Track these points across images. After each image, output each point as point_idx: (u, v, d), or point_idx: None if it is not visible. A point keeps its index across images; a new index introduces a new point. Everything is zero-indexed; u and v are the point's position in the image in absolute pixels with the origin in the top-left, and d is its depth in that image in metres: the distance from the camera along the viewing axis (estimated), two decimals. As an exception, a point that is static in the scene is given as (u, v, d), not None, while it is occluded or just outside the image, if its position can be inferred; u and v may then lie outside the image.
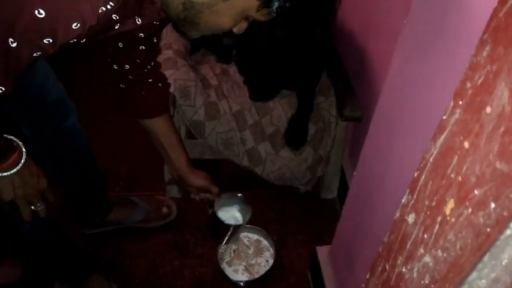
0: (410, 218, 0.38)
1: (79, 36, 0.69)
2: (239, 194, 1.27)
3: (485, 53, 0.28)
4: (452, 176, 0.32)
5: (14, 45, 0.62)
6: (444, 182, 0.33)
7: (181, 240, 1.54)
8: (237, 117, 1.47)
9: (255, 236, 1.51)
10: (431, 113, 0.70)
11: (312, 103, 1.49)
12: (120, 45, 0.98)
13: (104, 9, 0.68)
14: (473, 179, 0.29)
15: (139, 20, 0.83)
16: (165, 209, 1.59)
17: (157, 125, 1.14)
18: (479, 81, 0.29)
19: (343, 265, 1.27)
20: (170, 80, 1.42)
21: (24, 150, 0.83)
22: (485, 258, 0.29)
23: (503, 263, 0.29)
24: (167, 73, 1.44)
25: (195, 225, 1.57)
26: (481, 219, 0.29)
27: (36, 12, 0.60)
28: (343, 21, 1.64)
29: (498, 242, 0.28)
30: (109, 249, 1.49)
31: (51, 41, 0.65)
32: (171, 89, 1.41)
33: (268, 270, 1.41)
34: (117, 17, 0.76)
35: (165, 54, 1.52)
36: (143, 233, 1.54)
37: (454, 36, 0.59)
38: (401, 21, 0.82)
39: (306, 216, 1.64)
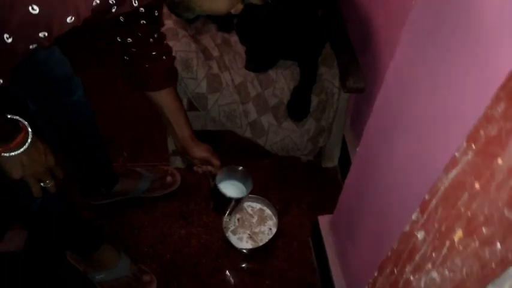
0: (420, 235, 0.41)
1: (75, 27, 0.70)
2: (240, 168, 1.30)
3: (499, 109, 0.30)
4: (462, 209, 0.34)
5: (10, 40, 0.63)
6: (454, 212, 0.35)
7: (186, 209, 1.58)
8: (240, 89, 1.48)
9: (258, 205, 1.56)
10: (439, 90, 0.72)
11: (315, 74, 1.49)
12: (121, 19, 0.98)
13: (98, 1, 0.69)
14: (481, 218, 0.32)
15: (136, 2, 0.84)
16: (169, 178, 1.63)
17: (162, 98, 1.16)
18: (493, 133, 0.31)
19: (344, 234, 1.33)
20: (172, 52, 1.42)
21: (30, 129, 0.85)
22: (489, 286, 0.32)
23: (505, 290, 0.32)
24: (168, 45, 1.44)
25: (200, 195, 1.61)
26: (487, 255, 0.32)
27: (29, 8, 0.61)
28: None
29: (502, 276, 0.31)
30: (116, 219, 1.54)
31: (46, 34, 0.66)
32: (173, 62, 1.41)
33: (272, 238, 1.47)
34: (114, 1, 0.76)
35: (165, 25, 1.51)
36: (149, 204, 1.59)
37: (470, 12, 0.59)
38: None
39: (307, 185, 1.68)
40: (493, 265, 0.31)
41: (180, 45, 1.46)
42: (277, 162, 1.69)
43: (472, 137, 0.34)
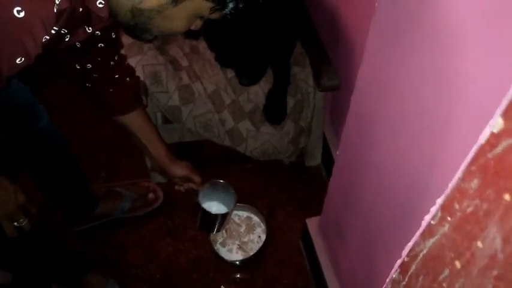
0: (403, 298, 0.38)
1: (27, 66, 0.68)
2: (222, 181, 1.27)
3: (473, 185, 0.27)
4: (445, 285, 0.31)
5: None
6: (436, 285, 0.32)
7: (172, 225, 1.55)
8: (213, 98, 1.43)
9: (245, 214, 1.53)
10: (416, 79, 0.69)
11: (288, 75, 1.45)
12: (78, 45, 0.93)
13: (47, 37, 0.65)
14: (466, 301, 0.29)
15: (90, 28, 0.80)
16: (151, 195, 1.58)
17: (131, 121, 1.12)
18: (468, 210, 0.28)
19: (333, 236, 1.31)
20: (138, 67, 1.37)
21: None
22: None
23: None
24: (134, 60, 1.39)
25: (184, 210, 1.57)
26: None
27: None
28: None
29: None
30: (101, 243, 1.50)
31: None
32: (141, 77, 1.36)
33: (262, 245, 1.44)
34: (66, 31, 0.74)
35: (129, 39, 1.45)
36: (134, 223, 1.54)
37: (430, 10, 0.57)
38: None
39: (292, 186, 1.65)
40: None
41: (146, 58, 1.40)
42: (260, 166, 1.65)
43: (446, 208, 0.30)
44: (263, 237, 1.47)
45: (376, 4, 0.80)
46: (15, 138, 1.20)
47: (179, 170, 1.18)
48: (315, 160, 1.69)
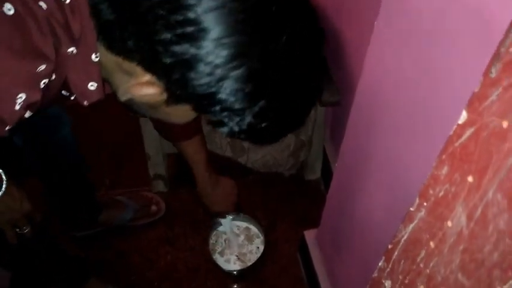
0: (387, 284, 0.41)
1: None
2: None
3: (444, 171, 0.30)
4: (422, 265, 0.34)
5: None
6: (415, 267, 0.35)
7: (172, 234, 1.57)
8: (216, 110, 1.47)
9: (244, 224, 1.55)
10: (412, 95, 0.72)
11: (290, 90, 1.49)
12: None
13: (28, 114, 0.55)
14: (439, 278, 0.32)
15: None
16: (154, 207, 1.61)
17: (180, 147, 1.21)
18: (440, 194, 0.31)
19: (330, 248, 1.33)
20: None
21: (4, 177, 0.83)
22: None
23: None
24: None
25: (184, 218, 1.60)
26: (448, 313, 0.32)
27: None
28: (316, 4, 1.62)
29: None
30: (101, 249, 1.52)
31: None
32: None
33: (260, 256, 1.46)
34: (68, 93, 0.64)
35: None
36: (134, 230, 1.57)
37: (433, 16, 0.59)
38: (371, 2, 0.82)
39: (291, 198, 1.68)
40: (453, 325, 0.31)
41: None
42: (261, 178, 1.68)
43: (422, 195, 0.34)
44: (261, 248, 1.49)
45: (375, 23, 0.84)
46: (34, 143, 1.23)
47: (215, 206, 1.36)
48: (314, 174, 1.72)
